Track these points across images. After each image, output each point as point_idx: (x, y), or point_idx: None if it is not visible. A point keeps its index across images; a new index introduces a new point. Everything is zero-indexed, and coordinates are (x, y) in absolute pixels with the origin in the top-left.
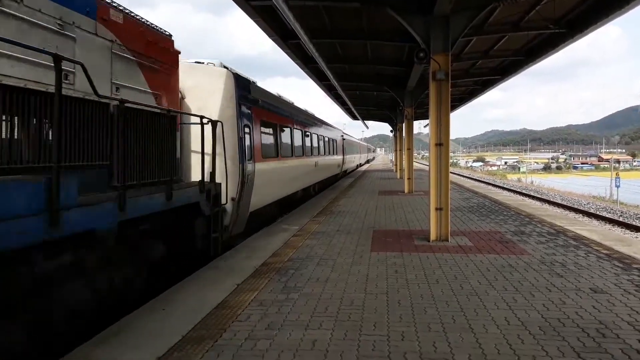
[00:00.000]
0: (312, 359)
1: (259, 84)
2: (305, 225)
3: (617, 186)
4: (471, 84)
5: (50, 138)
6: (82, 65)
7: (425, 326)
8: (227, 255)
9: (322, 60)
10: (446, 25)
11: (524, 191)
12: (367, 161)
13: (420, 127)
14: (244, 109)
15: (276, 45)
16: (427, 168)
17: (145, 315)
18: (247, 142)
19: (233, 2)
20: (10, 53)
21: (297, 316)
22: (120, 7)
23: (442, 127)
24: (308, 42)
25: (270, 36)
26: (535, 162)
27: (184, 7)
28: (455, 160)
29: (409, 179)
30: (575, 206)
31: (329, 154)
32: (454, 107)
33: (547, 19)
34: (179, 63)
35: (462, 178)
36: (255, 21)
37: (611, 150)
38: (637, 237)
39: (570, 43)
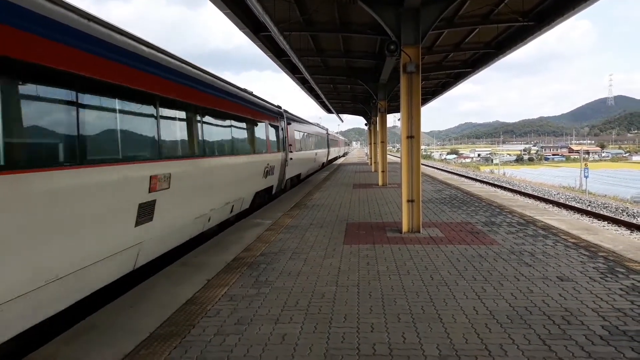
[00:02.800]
0: (281, 352)
1: (233, 77)
2: (278, 219)
3: (586, 177)
4: (443, 76)
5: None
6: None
7: (395, 317)
8: (198, 251)
9: (293, 53)
10: (416, 17)
11: (496, 183)
12: (344, 154)
13: (396, 120)
14: None
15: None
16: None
17: (113, 312)
18: None
19: None
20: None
21: (268, 310)
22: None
23: (413, 120)
24: (279, 34)
25: (241, 29)
26: (508, 153)
27: (159, 1)
28: (429, 153)
29: (382, 171)
30: (546, 196)
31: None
32: (427, 99)
33: (515, 11)
34: None
35: (435, 170)
36: (225, 13)
37: (581, 141)
38: (603, 226)
39: (538, 35)
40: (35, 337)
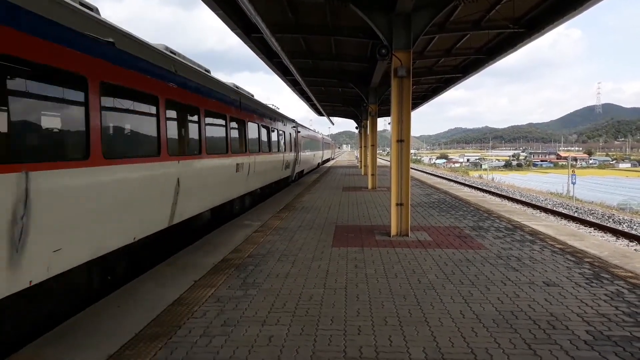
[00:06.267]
0: (267, 354)
1: (226, 78)
2: (267, 221)
3: (573, 183)
4: (434, 81)
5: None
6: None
7: (382, 320)
8: (186, 252)
9: (285, 55)
10: (408, 22)
11: (484, 188)
12: (328, 159)
13: (386, 124)
14: None
15: None
16: None
17: (99, 312)
18: None
19: None
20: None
21: (255, 312)
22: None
23: (403, 124)
24: (270, 36)
25: (233, 30)
26: (497, 159)
27: (152, 1)
28: (418, 157)
29: (372, 175)
30: (534, 202)
31: None
32: (417, 104)
33: (506, 18)
34: None
35: (425, 175)
36: (217, 14)
37: (569, 148)
38: (590, 232)
39: (528, 42)
40: (17, 338)
